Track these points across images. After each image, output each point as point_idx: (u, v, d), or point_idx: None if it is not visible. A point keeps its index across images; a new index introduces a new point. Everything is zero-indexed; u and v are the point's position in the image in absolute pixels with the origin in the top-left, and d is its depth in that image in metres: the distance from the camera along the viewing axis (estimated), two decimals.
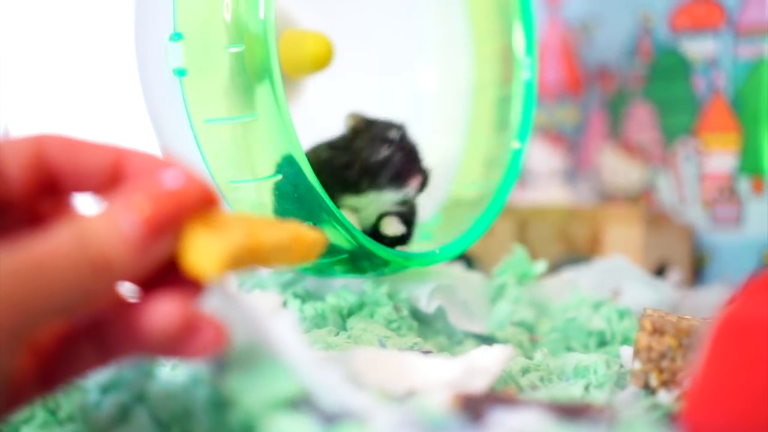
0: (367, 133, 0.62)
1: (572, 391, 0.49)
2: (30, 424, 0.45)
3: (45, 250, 0.32)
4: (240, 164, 0.56)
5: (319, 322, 0.59)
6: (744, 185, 0.97)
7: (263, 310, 0.40)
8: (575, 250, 0.93)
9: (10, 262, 0.31)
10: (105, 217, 0.33)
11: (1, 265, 0.31)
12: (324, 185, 0.56)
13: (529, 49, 0.71)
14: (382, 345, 0.55)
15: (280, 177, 0.56)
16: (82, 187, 0.37)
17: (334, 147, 0.62)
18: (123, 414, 0.42)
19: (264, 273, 0.64)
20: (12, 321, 0.31)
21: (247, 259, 0.36)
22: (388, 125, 0.62)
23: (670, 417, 0.40)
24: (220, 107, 0.55)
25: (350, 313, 0.60)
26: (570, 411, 0.36)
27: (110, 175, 0.37)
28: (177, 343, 0.35)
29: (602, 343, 0.63)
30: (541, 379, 0.51)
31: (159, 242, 0.34)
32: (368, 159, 0.60)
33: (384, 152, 0.60)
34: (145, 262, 0.34)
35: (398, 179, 0.60)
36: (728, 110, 0.99)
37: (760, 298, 0.34)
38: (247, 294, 0.47)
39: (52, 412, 0.45)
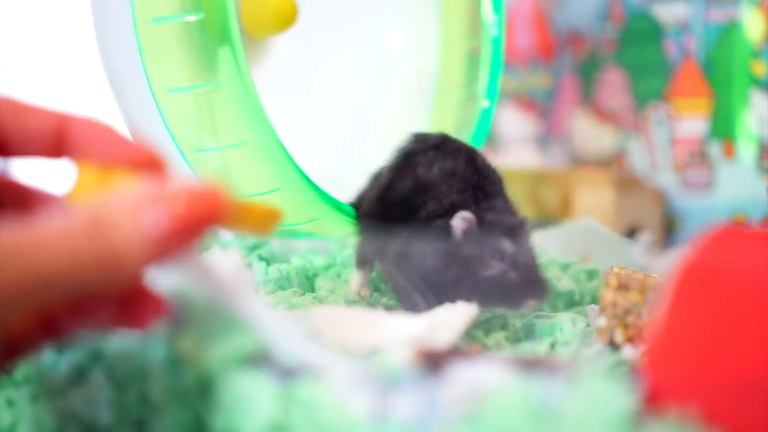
0: (476, 240, 0.52)
1: (538, 348, 0.48)
2: None
3: (53, 228, 0.30)
4: (204, 131, 0.56)
5: (284, 284, 0.58)
6: (715, 150, 0.97)
7: (220, 269, 0.39)
8: (545, 214, 0.92)
9: (16, 236, 0.29)
10: (129, 207, 0.30)
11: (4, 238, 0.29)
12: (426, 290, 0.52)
13: (497, 7, 0.70)
14: (349, 305, 0.54)
15: (245, 143, 0.55)
16: (26, 151, 0.36)
17: (439, 253, 0.52)
18: (79, 374, 0.41)
19: (228, 236, 0.63)
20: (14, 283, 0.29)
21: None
22: (504, 230, 0.53)
23: (633, 371, 0.40)
24: (183, 76, 0.54)
25: (316, 274, 0.60)
26: (530, 365, 0.36)
27: (54, 139, 0.36)
28: (120, 314, 0.35)
29: (571, 303, 0.63)
30: (507, 339, 0.51)
31: (180, 246, 0.31)
32: (476, 273, 0.51)
33: (495, 268, 0.51)
34: (156, 264, 0.32)
35: (511, 299, 0.51)
36: (699, 75, 0.99)
37: (719, 248, 0.33)
38: (206, 253, 0.46)
39: (8, 375, 0.44)
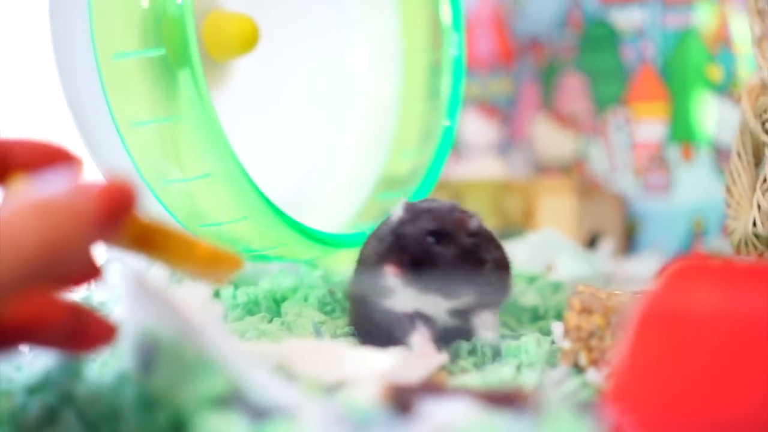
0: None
1: (503, 372, 0.49)
2: None
3: (5, 225, 0.32)
4: (169, 162, 0.56)
5: (252, 308, 0.59)
6: (674, 153, 0.99)
7: (188, 306, 0.39)
8: (509, 223, 0.94)
9: None
10: (66, 197, 0.34)
11: None
12: None
13: (456, 25, 0.71)
14: (317, 331, 0.55)
15: (209, 176, 0.55)
16: None
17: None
18: (50, 416, 0.41)
19: None
20: None
21: (156, 247, 0.38)
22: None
23: (597, 398, 0.41)
24: (146, 109, 0.54)
25: (284, 297, 0.60)
26: (497, 399, 0.36)
27: None
28: (67, 339, 0.37)
29: (536, 317, 0.64)
30: (475, 364, 0.51)
31: (109, 229, 0.35)
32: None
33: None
34: (91, 246, 0.36)
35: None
36: (657, 79, 1.01)
37: (680, 284, 0.34)
38: (173, 289, 0.46)
39: None
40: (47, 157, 0.38)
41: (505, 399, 0.37)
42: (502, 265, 0.55)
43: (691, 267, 0.36)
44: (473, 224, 0.53)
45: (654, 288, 0.34)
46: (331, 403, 0.36)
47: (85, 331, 0.37)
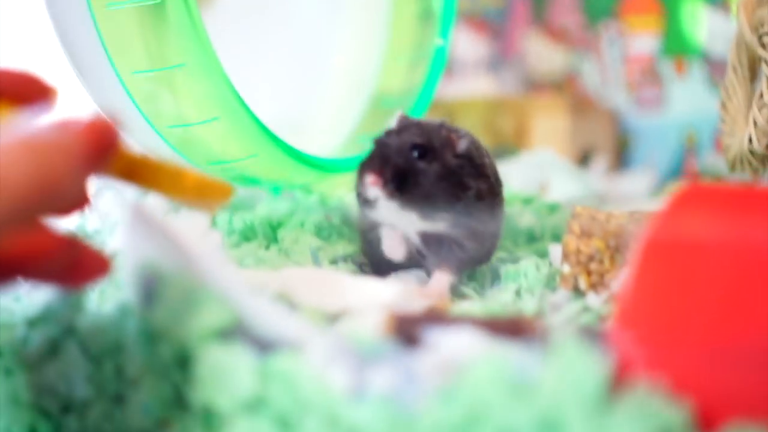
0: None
1: (504, 297, 0.49)
2: None
3: None
4: (172, 108, 0.55)
5: (248, 234, 0.58)
6: (666, 67, 0.98)
7: (189, 236, 0.39)
8: (502, 142, 0.93)
9: None
10: (54, 135, 0.34)
11: None
12: None
13: None
14: (315, 257, 0.55)
15: (184, 65, 0.54)
16: None
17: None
18: (53, 348, 0.42)
19: None
20: None
21: (145, 177, 0.38)
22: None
23: (602, 325, 0.41)
24: (144, 57, 0.53)
25: (280, 223, 0.60)
26: (503, 329, 0.36)
27: None
28: (62, 272, 0.37)
29: (532, 239, 0.64)
30: (475, 289, 0.51)
31: (99, 165, 0.35)
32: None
33: None
34: (83, 190, 0.36)
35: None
36: None
37: (684, 212, 0.34)
38: (171, 219, 0.46)
39: None
40: (23, 85, 0.38)
41: (510, 328, 0.37)
42: (486, 196, 0.52)
43: (696, 192, 0.35)
44: (461, 145, 0.51)
45: (659, 213, 0.34)
46: (337, 335, 0.36)
47: (80, 264, 0.37)
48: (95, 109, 0.55)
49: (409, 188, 0.49)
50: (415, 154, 0.49)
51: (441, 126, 0.52)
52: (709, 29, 0.96)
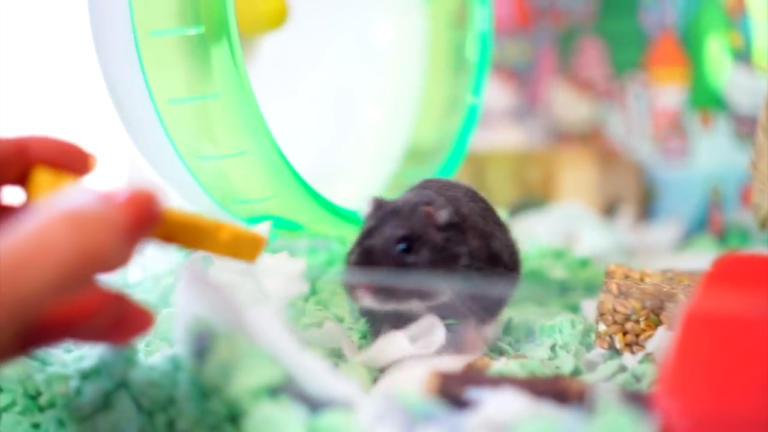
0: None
1: (539, 352, 0.50)
2: (11, 411, 0.46)
3: (37, 238, 0.32)
4: (203, 139, 0.56)
5: None
6: (692, 120, 0.99)
7: (242, 298, 0.40)
8: (530, 193, 0.94)
9: (2, 253, 0.31)
10: (98, 208, 0.34)
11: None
12: None
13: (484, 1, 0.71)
14: (353, 310, 0.56)
15: (245, 153, 0.56)
16: None
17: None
18: (106, 401, 0.43)
19: None
20: (4, 311, 0.31)
21: (183, 237, 0.39)
22: None
23: (646, 391, 0.42)
24: (183, 86, 0.54)
25: (318, 275, 0.61)
26: (545, 389, 0.38)
27: (19, 162, 0.39)
28: (108, 328, 0.38)
29: (564, 292, 0.65)
30: (510, 344, 0.52)
31: (142, 236, 0.36)
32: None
33: None
34: (126, 256, 0.36)
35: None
36: (677, 45, 1.01)
37: (724, 281, 0.35)
38: (225, 281, 0.47)
39: (33, 398, 0.45)
40: (63, 154, 0.39)
41: (552, 389, 0.38)
42: (482, 254, 0.51)
43: (737, 261, 0.36)
44: (441, 217, 0.50)
45: (701, 282, 0.35)
46: (386, 395, 0.37)
47: (125, 319, 0.38)
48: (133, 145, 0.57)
49: (402, 281, 0.48)
50: (401, 247, 0.49)
51: (417, 205, 0.50)
52: (735, 83, 0.97)
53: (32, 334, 0.35)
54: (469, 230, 0.51)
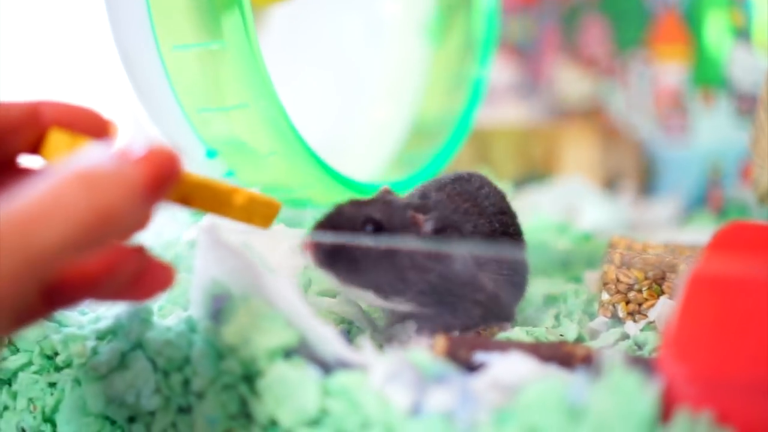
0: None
1: (543, 320, 0.52)
2: (27, 370, 0.47)
3: (49, 198, 0.32)
4: (208, 93, 0.57)
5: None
6: (694, 98, 1.00)
7: (259, 263, 0.41)
8: (534, 168, 0.95)
9: (13, 213, 0.31)
10: (112, 167, 0.33)
11: (8, 213, 0.31)
12: None
13: None
14: None
15: (247, 106, 0.56)
16: (7, 146, 0.38)
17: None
18: (122, 361, 0.44)
19: None
20: (19, 266, 0.31)
21: (199, 199, 0.40)
22: None
23: (649, 357, 0.43)
24: (188, 33, 0.55)
25: None
26: (551, 355, 0.39)
27: (31, 127, 0.38)
28: (130, 284, 0.37)
29: (566, 266, 0.66)
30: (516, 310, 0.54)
31: (159, 196, 0.35)
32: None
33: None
34: (145, 216, 0.36)
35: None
36: (679, 23, 1.01)
37: (726, 251, 0.36)
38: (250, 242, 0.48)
39: (50, 358, 0.47)
40: (83, 119, 0.39)
41: (558, 355, 0.39)
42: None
43: (739, 228, 0.37)
44: (427, 227, 0.47)
45: (704, 249, 0.36)
46: (397, 357, 0.38)
47: (146, 275, 0.38)
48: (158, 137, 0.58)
49: (348, 265, 0.46)
50: (369, 228, 0.46)
51: (407, 206, 0.48)
52: (736, 61, 0.97)
53: (54, 293, 0.35)
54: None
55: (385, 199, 0.49)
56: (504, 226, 0.51)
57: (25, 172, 0.40)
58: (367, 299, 0.48)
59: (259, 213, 0.43)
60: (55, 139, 0.38)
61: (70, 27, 0.66)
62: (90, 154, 0.34)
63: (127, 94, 0.60)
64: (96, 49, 0.63)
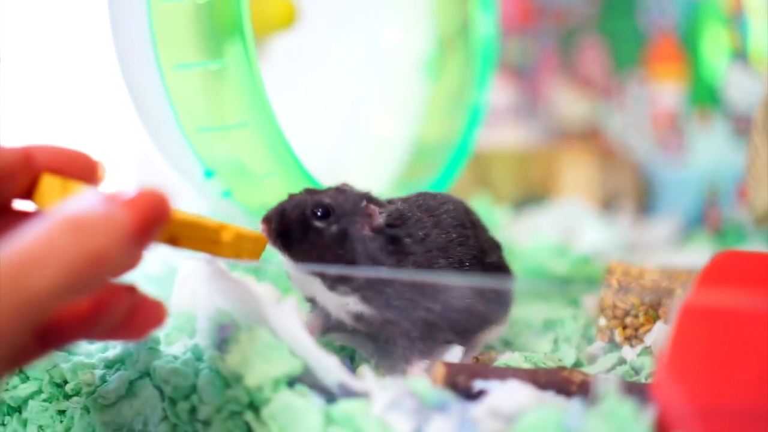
0: None
1: (542, 345, 0.53)
2: (37, 398, 0.48)
3: (40, 243, 0.32)
4: (208, 113, 0.58)
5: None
6: (691, 118, 1.01)
7: (264, 294, 0.42)
8: (532, 190, 0.96)
9: (5, 258, 0.31)
10: (101, 211, 0.34)
11: (1, 260, 0.31)
12: None
13: (487, 4, 0.73)
14: None
15: (247, 126, 0.57)
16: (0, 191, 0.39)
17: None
18: (130, 389, 0.45)
19: None
20: (12, 311, 0.31)
21: (187, 239, 0.40)
22: None
23: (645, 384, 0.44)
24: (189, 53, 0.56)
25: None
26: (549, 382, 0.40)
27: (25, 172, 0.39)
28: (121, 325, 0.38)
29: (565, 289, 0.67)
30: (515, 334, 0.55)
31: (149, 240, 0.36)
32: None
33: None
34: (135, 258, 0.36)
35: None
36: (675, 44, 1.02)
37: (719, 280, 0.37)
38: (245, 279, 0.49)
39: (59, 386, 0.47)
40: (70, 162, 0.40)
41: (556, 382, 0.40)
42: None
43: (733, 257, 0.38)
44: (377, 220, 0.47)
45: (698, 277, 0.37)
46: (399, 386, 0.39)
47: (137, 313, 0.38)
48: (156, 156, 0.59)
49: (298, 245, 0.47)
50: (318, 211, 0.47)
51: (363, 197, 0.48)
52: (732, 82, 0.99)
53: (47, 334, 0.36)
54: (407, 243, 0.47)
55: (339, 188, 0.49)
56: (462, 238, 0.50)
57: (19, 216, 0.40)
58: (315, 288, 0.48)
59: (247, 249, 0.44)
60: (47, 183, 0.39)
61: (73, 43, 0.67)
62: (79, 200, 0.34)
63: (128, 113, 0.61)
64: (97, 65, 0.64)
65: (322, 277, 0.46)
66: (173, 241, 0.40)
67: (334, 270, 0.46)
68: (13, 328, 0.31)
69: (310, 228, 0.47)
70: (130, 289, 0.38)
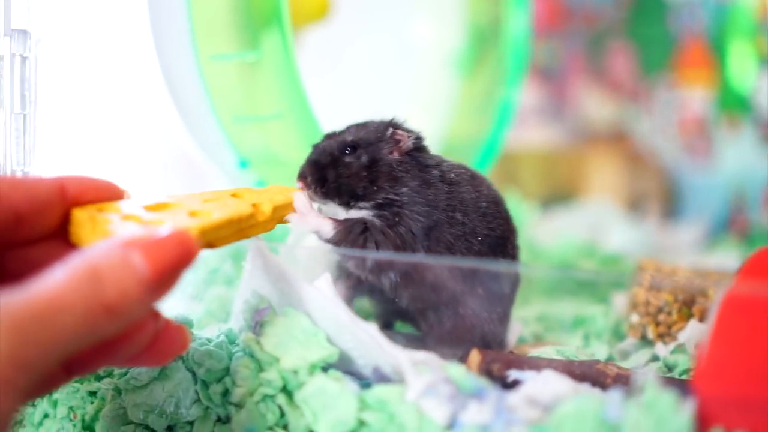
0: None
1: (572, 341, 0.52)
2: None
3: (63, 290, 0.33)
4: (244, 103, 0.58)
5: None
6: (719, 123, 1.00)
7: (299, 275, 0.42)
8: (559, 189, 0.96)
9: (24, 307, 0.32)
10: (118, 259, 0.34)
11: (17, 311, 0.32)
12: None
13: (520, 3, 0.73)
14: None
15: (283, 116, 0.57)
16: (37, 223, 0.39)
17: None
18: (162, 371, 0.45)
19: None
20: (40, 349, 0.32)
21: (225, 238, 0.41)
22: None
23: (683, 379, 0.44)
24: (227, 44, 0.56)
25: None
26: (584, 374, 0.40)
27: (59, 203, 0.39)
28: (144, 351, 0.38)
29: (593, 288, 0.66)
30: (545, 329, 0.54)
31: (168, 286, 0.36)
32: None
33: None
34: (153, 304, 0.36)
35: None
36: (704, 49, 1.02)
37: (757, 278, 0.37)
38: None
39: None
40: (99, 192, 0.40)
41: (591, 373, 0.40)
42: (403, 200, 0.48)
43: None
44: (406, 142, 0.49)
45: (738, 273, 0.37)
46: (435, 371, 0.39)
47: (161, 339, 0.39)
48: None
49: (336, 183, 0.48)
50: (346, 151, 0.49)
51: (389, 124, 0.50)
52: (761, 88, 0.98)
53: (73, 364, 0.37)
54: (431, 166, 0.49)
55: (359, 124, 0.51)
56: (488, 202, 0.50)
57: (54, 247, 0.40)
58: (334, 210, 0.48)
59: (283, 214, 0.45)
60: (78, 217, 0.40)
61: (112, 34, 0.67)
62: (100, 246, 0.35)
63: (165, 103, 0.61)
64: (136, 56, 0.64)
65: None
66: (211, 245, 0.40)
67: (374, 255, 0.46)
68: (41, 361, 0.32)
69: (343, 165, 0.48)
70: (155, 315, 0.38)
